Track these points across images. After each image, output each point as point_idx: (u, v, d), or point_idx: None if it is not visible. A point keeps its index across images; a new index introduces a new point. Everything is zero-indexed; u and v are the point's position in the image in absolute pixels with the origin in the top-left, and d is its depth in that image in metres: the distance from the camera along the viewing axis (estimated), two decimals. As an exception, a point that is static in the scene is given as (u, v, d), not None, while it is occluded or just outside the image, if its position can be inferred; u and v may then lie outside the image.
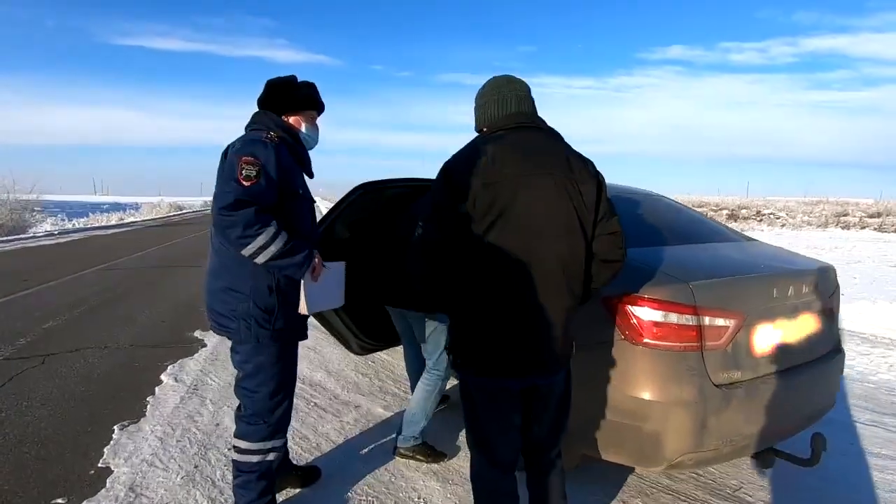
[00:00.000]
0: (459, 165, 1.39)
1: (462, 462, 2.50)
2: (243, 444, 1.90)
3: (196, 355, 4.01)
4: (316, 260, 1.84)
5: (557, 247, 1.40)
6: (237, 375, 1.91)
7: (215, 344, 4.30)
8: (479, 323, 1.43)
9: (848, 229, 21.15)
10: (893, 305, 5.53)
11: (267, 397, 1.88)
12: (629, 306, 1.87)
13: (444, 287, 1.43)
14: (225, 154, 1.80)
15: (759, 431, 1.94)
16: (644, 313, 1.85)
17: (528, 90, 1.51)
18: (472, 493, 1.61)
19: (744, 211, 27.42)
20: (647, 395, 1.83)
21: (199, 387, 3.38)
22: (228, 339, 1.91)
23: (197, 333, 4.62)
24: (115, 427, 2.77)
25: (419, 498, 2.21)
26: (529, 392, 1.54)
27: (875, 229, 20.64)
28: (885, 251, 12.05)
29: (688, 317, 1.82)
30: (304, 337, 2.02)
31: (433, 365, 2.49)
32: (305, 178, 2.00)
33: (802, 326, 2.10)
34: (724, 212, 26.59)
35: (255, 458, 1.90)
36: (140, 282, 7.32)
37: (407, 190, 2.71)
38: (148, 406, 3.07)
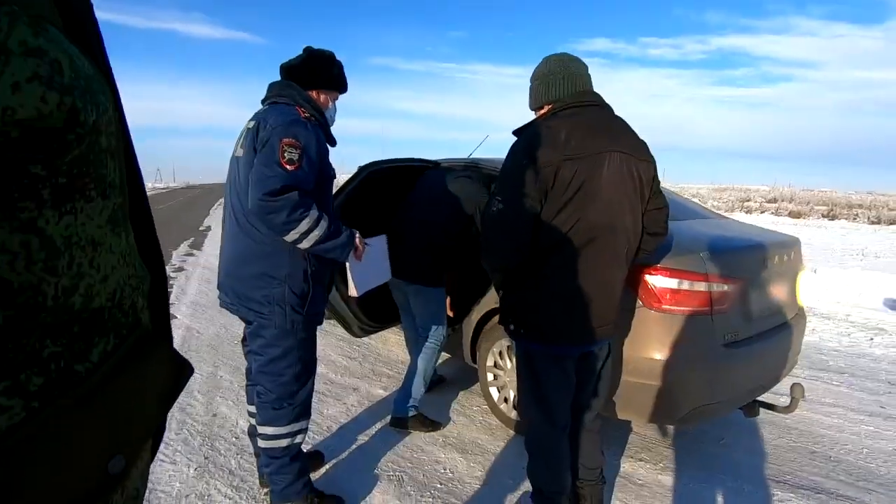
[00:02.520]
0: (540, 141, 1.44)
1: (476, 433, 2.60)
2: (271, 430, 1.86)
3: (165, 348, 3.77)
4: (357, 239, 1.82)
5: (625, 221, 1.51)
6: (258, 360, 1.84)
7: (182, 335, 4.06)
8: (549, 293, 1.51)
9: (750, 213, 23.46)
10: (805, 277, 6.32)
11: (293, 380, 1.85)
12: (648, 275, 2.03)
13: (519, 260, 1.49)
14: (256, 131, 1.70)
15: (753, 384, 2.21)
16: (661, 281, 2.03)
17: (588, 68, 1.60)
18: (530, 457, 1.71)
19: (663, 197, 29.52)
20: (664, 356, 2.01)
21: (180, 379, 3.19)
22: (246, 321, 1.86)
23: (157, 325, 4.32)
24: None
25: (445, 469, 2.28)
26: (583, 358, 1.65)
27: (772, 213, 23.12)
28: (786, 232, 13.58)
29: (700, 283, 2.02)
30: (321, 322, 1.97)
31: (429, 336, 2.56)
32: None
33: (782, 291, 2.39)
34: (691, 198, 28.46)
35: (284, 443, 1.87)
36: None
37: (406, 168, 2.81)
38: (128, 402, 2.87)
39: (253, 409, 2.00)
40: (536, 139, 1.46)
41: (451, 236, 2.52)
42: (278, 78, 1.86)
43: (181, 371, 0.48)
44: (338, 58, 1.91)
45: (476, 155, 3.29)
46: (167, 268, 6.90)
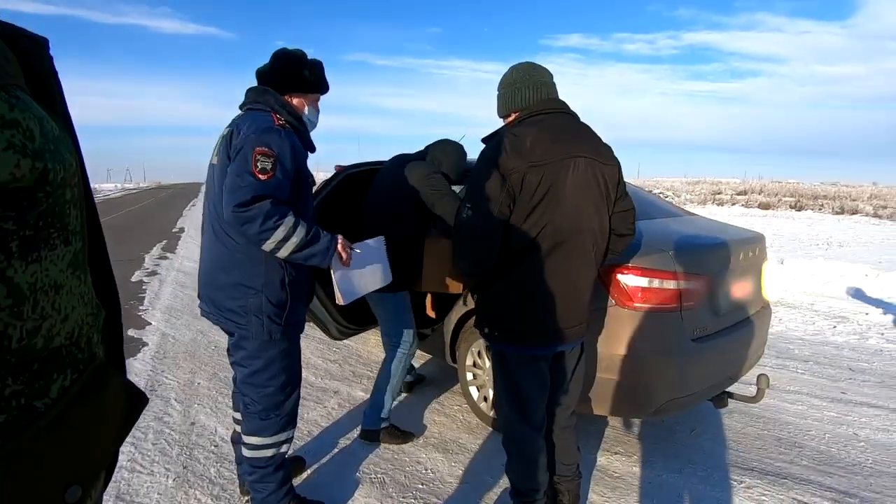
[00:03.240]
0: (506, 149, 1.48)
1: (456, 433, 2.63)
2: (256, 440, 1.84)
3: (140, 355, 3.70)
4: (340, 244, 1.74)
5: (591, 223, 1.56)
6: (242, 371, 1.82)
7: (157, 342, 3.99)
8: (521, 295, 1.55)
9: (722, 206, 24.12)
10: (773, 268, 6.54)
11: (279, 391, 1.83)
12: (619, 275, 2.09)
13: (490, 265, 1.53)
14: (230, 138, 1.67)
15: (722, 376, 2.30)
16: (632, 280, 2.09)
17: (553, 76, 1.63)
18: (507, 456, 1.75)
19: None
20: (637, 353, 2.08)
21: (156, 388, 3.14)
22: (227, 332, 1.84)
23: (131, 332, 4.23)
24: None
25: (426, 469, 2.31)
26: (557, 358, 1.70)
27: (743, 205, 23.78)
28: (751, 225, 14.00)
29: (669, 281, 2.09)
30: (302, 329, 1.93)
31: (396, 342, 2.46)
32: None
33: (747, 286, 2.49)
34: (661, 195, 29.01)
35: (269, 452, 1.86)
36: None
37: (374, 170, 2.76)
38: (103, 412, 2.81)
39: (238, 415, 1.99)
40: (503, 147, 1.49)
41: (408, 226, 2.36)
42: (254, 77, 1.82)
43: (136, 402, 0.51)
44: (311, 57, 1.83)
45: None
46: (139, 272, 6.75)
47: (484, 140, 1.60)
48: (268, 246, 1.60)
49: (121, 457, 2.34)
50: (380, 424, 2.49)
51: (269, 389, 1.81)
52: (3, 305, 0.35)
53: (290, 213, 1.61)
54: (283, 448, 1.90)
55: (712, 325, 2.25)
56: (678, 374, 2.10)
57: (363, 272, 1.86)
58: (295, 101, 1.82)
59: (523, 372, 1.64)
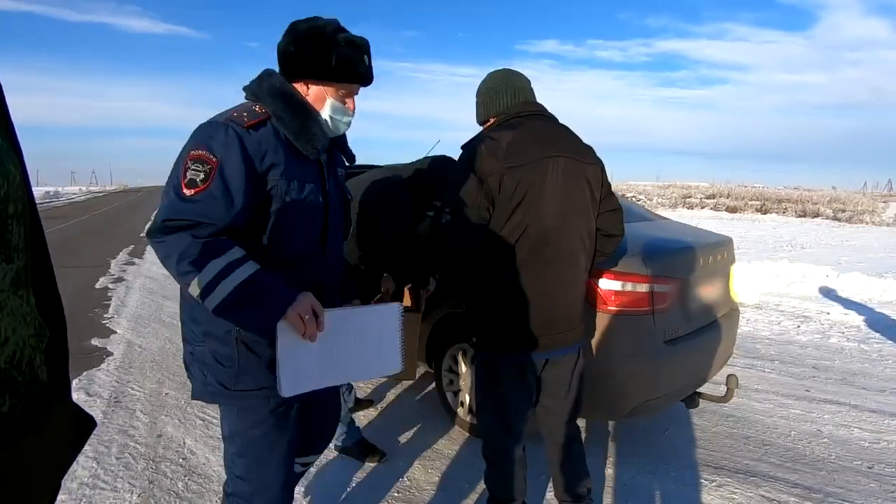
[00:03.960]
0: (482, 152, 1.47)
1: (432, 439, 2.61)
2: None
3: (103, 365, 3.55)
4: (298, 308, 1.11)
5: (577, 224, 1.56)
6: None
7: (123, 351, 3.84)
8: (508, 299, 1.53)
9: (692, 209, 24.78)
10: (739, 270, 6.75)
11: (235, 478, 1.33)
12: (593, 279, 2.11)
13: (473, 270, 1.51)
14: None
15: (694, 377, 2.34)
16: (606, 284, 2.11)
17: (531, 82, 1.64)
18: (486, 464, 1.73)
19: (611, 195, 30.66)
20: (611, 355, 2.10)
21: (120, 399, 3.03)
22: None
23: (95, 342, 4.07)
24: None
25: (402, 476, 2.28)
26: (553, 364, 1.65)
27: (712, 209, 24.48)
28: (719, 228, 14.41)
29: (642, 285, 2.12)
30: (278, 404, 1.29)
31: None
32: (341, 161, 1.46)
33: (716, 288, 2.55)
34: (633, 199, 29.51)
35: None
36: None
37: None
38: (63, 426, 2.69)
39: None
40: (479, 150, 1.49)
41: (366, 246, 2.23)
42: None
43: (83, 426, 0.48)
44: (345, 35, 1.23)
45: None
46: (104, 278, 6.52)
47: (463, 147, 1.59)
48: (191, 291, 1.11)
49: (82, 472, 2.25)
50: (348, 442, 2.39)
51: (234, 467, 1.33)
52: None
53: (227, 250, 1.11)
54: None
55: (684, 327, 2.29)
56: (651, 376, 2.13)
57: (338, 352, 1.21)
58: (311, 89, 1.27)
59: (509, 381, 1.61)
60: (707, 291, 2.47)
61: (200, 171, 1.11)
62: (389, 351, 1.31)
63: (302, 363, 1.14)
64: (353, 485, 2.22)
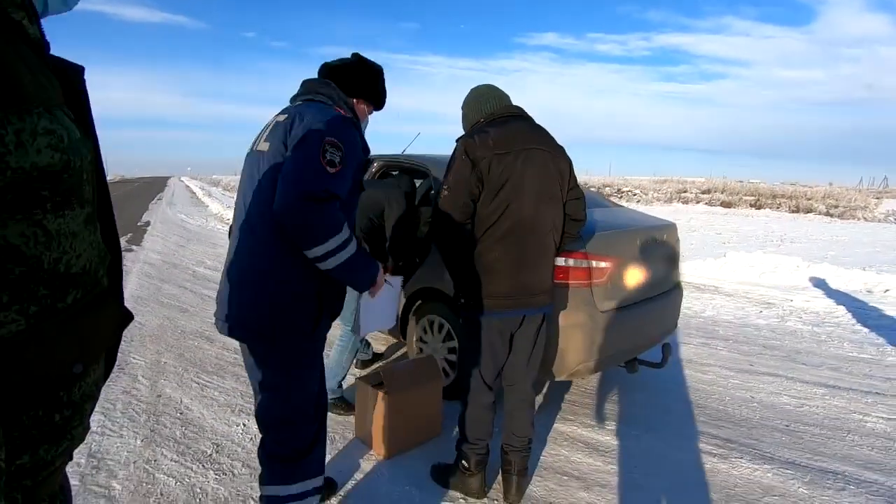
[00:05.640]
0: (474, 142, 1.83)
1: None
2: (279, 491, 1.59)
3: (108, 339, 3.86)
4: (380, 274, 1.59)
5: (548, 205, 1.91)
6: (266, 395, 1.60)
7: (125, 327, 4.15)
8: (490, 263, 1.86)
9: (687, 204, 25.06)
10: (717, 262, 7.04)
11: (312, 397, 1.62)
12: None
13: (464, 240, 1.86)
14: (289, 126, 1.48)
15: (629, 345, 2.65)
16: (551, 260, 2.41)
17: (509, 97, 2.03)
18: (462, 406, 2.04)
19: (607, 189, 30.95)
20: (554, 322, 2.40)
21: (124, 367, 3.34)
22: (244, 341, 1.58)
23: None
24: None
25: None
26: (523, 323, 1.96)
27: (706, 204, 24.76)
28: (712, 222, 14.71)
29: (581, 261, 2.42)
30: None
31: (345, 323, 2.74)
32: None
33: (655, 267, 2.85)
34: (592, 189, 29.67)
35: None
36: None
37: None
38: (73, 388, 3.00)
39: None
40: (473, 140, 1.84)
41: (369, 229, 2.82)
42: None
43: (125, 317, 0.76)
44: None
45: (409, 151, 3.57)
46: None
47: (459, 139, 1.93)
48: (315, 251, 1.38)
49: (92, 424, 2.56)
50: (330, 396, 2.69)
51: (292, 398, 1.59)
52: (39, 241, 0.57)
53: (345, 222, 1.44)
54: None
55: (622, 299, 2.59)
56: (589, 341, 2.43)
57: (382, 308, 1.75)
58: (362, 106, 1.78)
59: (489, 335, 1.93)
60: (647, 269, 2.77)
61: (336, 155, 1.42)
62: (392, 310, 1.85)
63: (370, 312, 1.70)
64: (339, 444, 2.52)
